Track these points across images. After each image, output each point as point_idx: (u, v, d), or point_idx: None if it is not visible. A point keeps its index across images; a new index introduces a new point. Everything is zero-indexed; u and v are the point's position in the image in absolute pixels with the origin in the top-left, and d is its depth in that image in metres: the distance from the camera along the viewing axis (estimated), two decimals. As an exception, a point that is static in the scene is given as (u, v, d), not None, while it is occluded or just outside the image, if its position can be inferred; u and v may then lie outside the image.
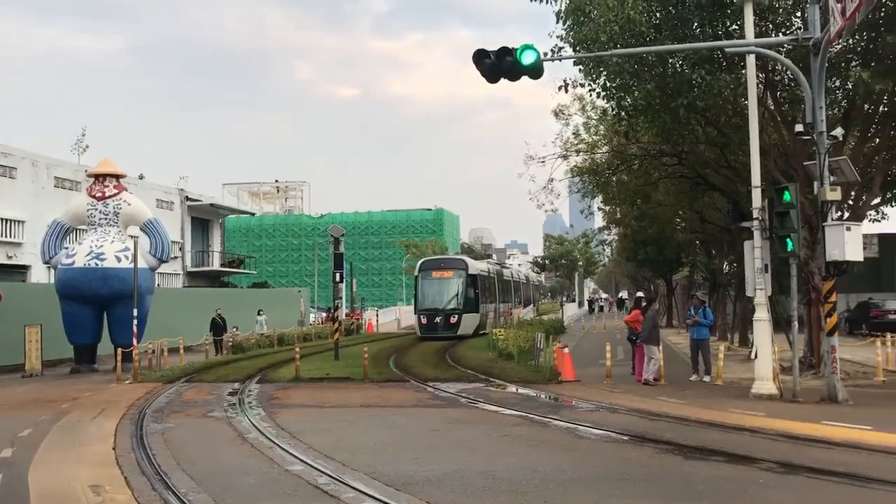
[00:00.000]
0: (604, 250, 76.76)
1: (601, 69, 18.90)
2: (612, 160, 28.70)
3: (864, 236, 21.90)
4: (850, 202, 18.87)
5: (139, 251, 24.01)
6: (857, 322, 33.43)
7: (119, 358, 22.10)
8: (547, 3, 18.23)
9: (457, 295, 38.70)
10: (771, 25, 17.29)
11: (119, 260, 24.48)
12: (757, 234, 15.61)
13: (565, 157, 30.58)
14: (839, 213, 16.39)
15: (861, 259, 14.84)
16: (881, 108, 18.33)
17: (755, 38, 15.74)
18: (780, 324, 19.02)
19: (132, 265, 23.44)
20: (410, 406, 15.61)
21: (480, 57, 14.72)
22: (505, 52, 14.63)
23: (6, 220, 36.35)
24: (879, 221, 24.82)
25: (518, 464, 9.70)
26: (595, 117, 30.00)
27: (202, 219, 52.60)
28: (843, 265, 14.60)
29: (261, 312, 36.10)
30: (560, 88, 19.85)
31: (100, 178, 25.79)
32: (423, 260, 43.95)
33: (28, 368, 23.85)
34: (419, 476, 9.02)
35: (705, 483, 8.60)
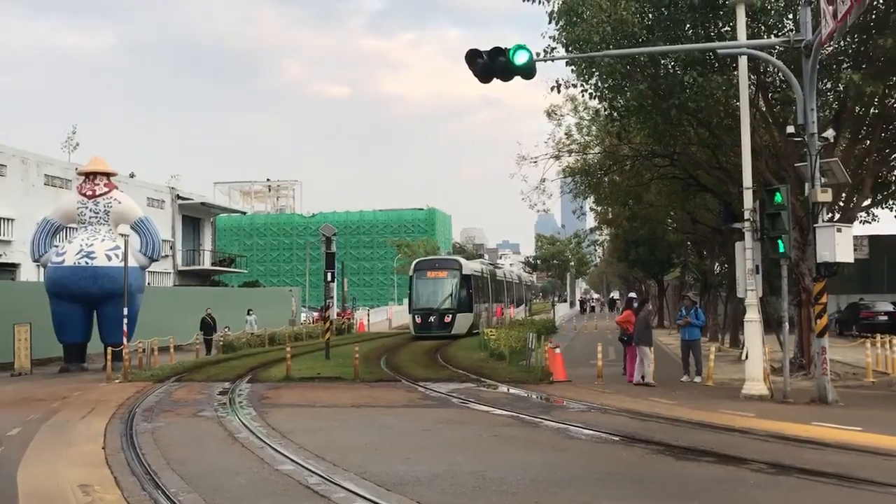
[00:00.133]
0: (595, 251, 76.93)
1: (593, 70, 18.93)
2: (604, 161, 28.75)
3: (855, 238, 22.04)
4: (841, 204, 18.94)
5: (130, 250, 23.92)
6: (848, 323, 33.56)
7: (109, 357, 21.99)
8: (540, 3, 18.25)
9: (451, 295, 39.16)
10: (763, 27, 17.34)
11: (109, 258, 24.38)
12: (748, 236, 15.64)
13: (557, 157, 30.62)
14: (830, 215, 16.47)
15: (851, 260, 14.90)
16: (872, 110, 18.41)
17: (747, 39, 15.78)
18: (771, 325, 19.09)
19: (122, 264, 23.34)
20: (401, 406, 15.59)
21: (473, 57, 14.72)
22: (497, 52, 14.63)
23: (-5, 217, 36.18)
24: (870, 223, 24.89)
25: (509, 464, 9.69)
26: (587, 118, 30.07)
27: (193, 217, 52.44)
28: (833, 266, 14.65)
29: (250, 312, 36.00)
30: (552, 89, 19.87)
31: (90, 176, 25.68)
32: (417, 260, 44.39)
33: (17, 367, 23.73)
34: (410, 476, 9.01)
35: (696, 483, 8.61)
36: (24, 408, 15.68)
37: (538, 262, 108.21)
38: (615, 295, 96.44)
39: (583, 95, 21.45)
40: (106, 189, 25.55)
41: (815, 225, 14.69)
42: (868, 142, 19.23)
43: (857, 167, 18.78)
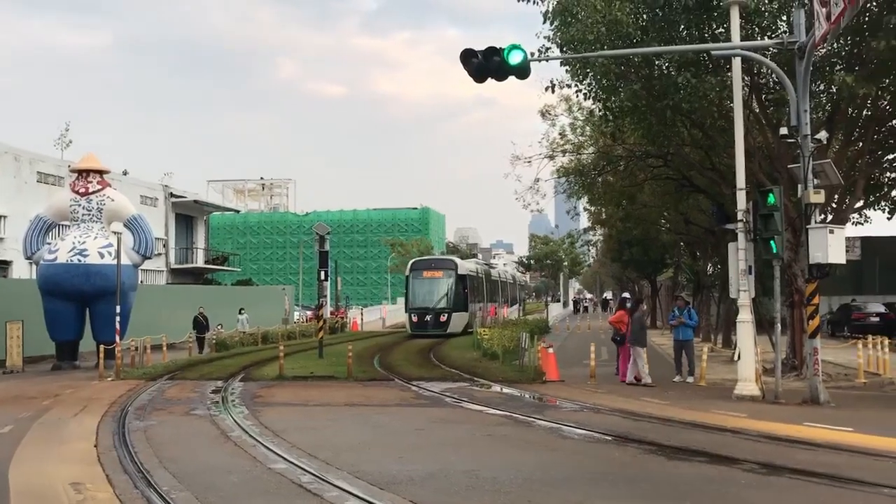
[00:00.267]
0: (589, 251, 77.07)
1: (588, 70, 18.95)
2: (597, 161, 28.76)
3: (847, 239, 22.08)
4: (834, 205, 18.99)
5: (123, 247, 23.85)
6: (839, 324, 33.65)
7: (101, 355, 21.95)
8: (534, 3, 18.27)
9: (447, 294, 39.88)
10: (757, 29, 17.38)
11: (102, 256, 24.30)
12: (741, 236, 15.68)
13: (551, 157, 30.66)
14: (822, 216, 16.49)
15: (844, 262, 14.94)
16: (865, 112, 18.47)
17: (741, 41, 15.81)
18: (764, 325, 19.13)
19: (115, 261, 23.28)
20: (394, 405, 15.59)
21: (468, 56, 14.73)
22: (492, 51, 14.64)
23: (-12, 214, 36.03)
24: (862, 224, 25.02)
25: (502, 463, 9.71)
26: (581, 118, 30.09)
27: (186, 215, 52.30)
28: (825, 268, 14.70)
29: (242, 311, 35.94)
30: (547, 89, 19.87)
31: (83, 173, 25.59)
32: (414, 260, 45.03)
33: (9, 365, 23.65)
34: (403, 475, 9.01)
35: (688, 483, 8.64)
36: (16, 405, 15.63)
37: (532, 261, 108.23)
38: (608, 295, 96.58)
39: (577, 96, 21.50)
40: (99, 186, 25.46)
41: (808, 226, 14.74)
42: (861, 144, 19.29)
43: (849, 169, 18.84)
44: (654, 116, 18.97)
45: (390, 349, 30.79)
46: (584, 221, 49.32)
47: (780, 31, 17.28)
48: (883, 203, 21.56)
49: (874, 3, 15.74)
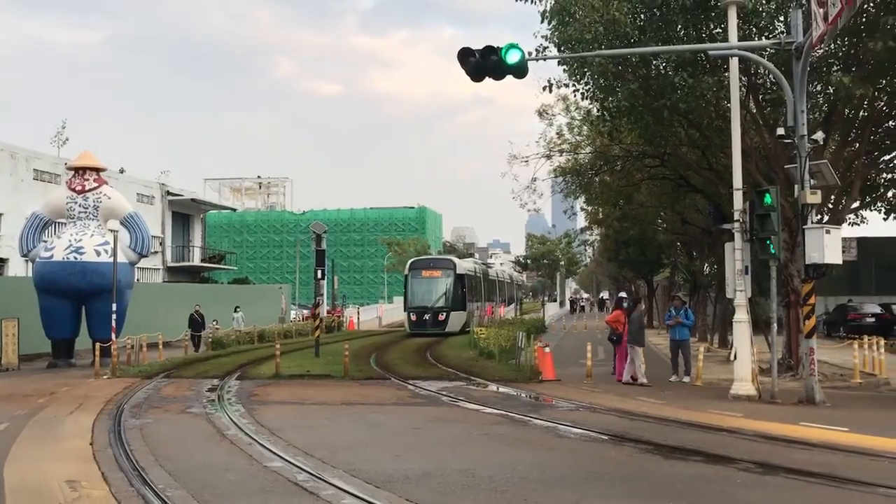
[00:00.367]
0: (586, 250, 77.04)
1: (585, 69, 18.95)
2: (595, 161, 28.78)
3: (844, 240, 22.15)
4: (830, 206, 19.02)
5: (119, 245, 23.81)
6: (835, 325, 33.71)
7: (97, 353, 21.90)
8: (532, 2, 18.25)
9: (445, 293, 40.31)
10: (754, 29, 17.39)
11: (98, 254, 24.26)
12: (738, 236, 15.70)
13: (549, 156, 30.67)
14: (819, 217, 16.54)
15: (840, 262, 14.97)
16: (861, 113, 18.50)
17: (738, 41, 15.82)
18: (760, 325, 19.15)
19: (111, 259, 23.24)
20: (391, 404, 15.58)
21: (465, 55, 14.70)
22: (490, 50, 14.62)
23: (-16, 212, 35.94)
24: (859, 225, 25.03)
25: (498, 462, 9.70)
26: (579, 118, 30.08)
27: (183, 214, 52.24)
28: (822, 268, 14.72)
29: (237, 309, 35.89)
30: (544, 89, 19.86)
31: (80, 171, 25.54)
32: (412, 260, 45.39)
33: (4, 363, 23.60)
34: (399, 474, 9.01)
35: (684, 482, 8.64)
36: (12, 403, 15.60)
37: (528, 261, 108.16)
38: (605, 295, 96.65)
39: (574, 95, 21.51)
40: (95, 184, 25.42)
41: (804, 226, 14.76)
42: (857, 144, 19.32)
43: (846, 169, 18.87)
44: (652, 116, 18.98)
45: (387, 348, 30.78)
46: (580, 221, 49.36)
47: (777, 32, 17.29)
48: (879, 204, 21.60)
49: (871, 4, 15.76)
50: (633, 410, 14.00)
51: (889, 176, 21.42)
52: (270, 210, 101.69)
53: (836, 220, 18.53)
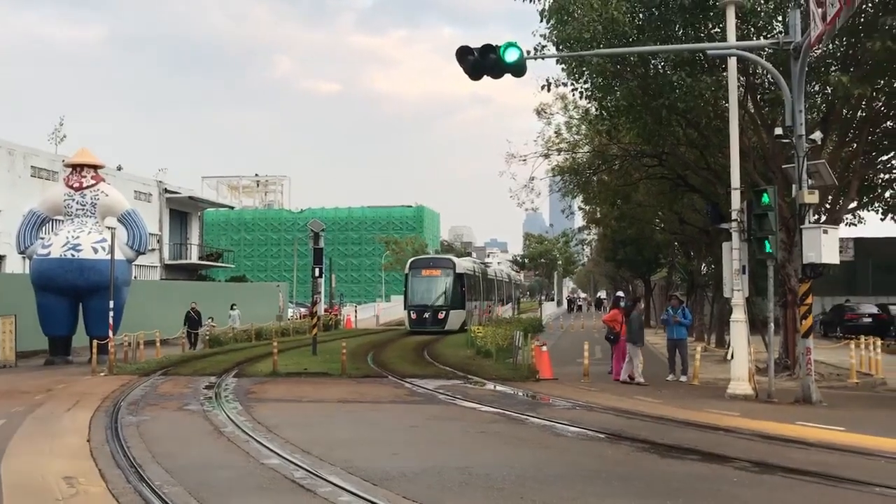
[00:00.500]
0: (583, 250, 77.03)
1: (584, 68, 18.96)
2: (593, 160, 28.79)
3: (841, 240, 22.17)
4: (828, 206, 19.05)
5: (116, 243, 23.79)
6: (832, 324, 33.77)
7: (94, 350, 21.90)
8: (531, 1, 18.26)
9: (445, 292, 40.92)
10: (752, 29, 17.40)
11: (96, 251, 24.24)
12: (735, 236, 15.72)
13: (547, 156, 30.67)
14: (816, 217, 16.55)
15: (837, 262, 14.97)
16: (859, 113, 18.52)
17: (737, 41, 15.84)
18: (757, 325, 19.16)
19: (109, 256, 23.22)
20: (388, 402, 15.59)
21: (464, 54, 14.70)
22: (488, 49, 14.62)
23: (-19, 209, 35.85)
24: (856, 225, 25.11)
25: (495, 460, 9.71)
26: (577, 117, 30.08)
27: (181, 211, 52.16)
28: (819, 268, 14.74)
29: (234, 307, 35.89)
30: (543, 88, 19.90)
31: (77, 168, 25.50)
32: (413, 259, 45.89)
33: (1, 360, 23.58)
34: (396, 471, 9.01)
35: (681, 481, 8.65)
36: (9, 400, 15.58)
37: (526, 260, 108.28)
38: (602, 294, 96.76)
39: (573, 94, 21.52)
40: (93, 181, 25.40)
41: (802, 226, 14.78)
42: (855, 144, 19.35)
43: (843, 169, 18.90)
44: (650, 115, 18.99)
45: (384, 346, 30.79)
46: (578, 220, 49.36)
47: (775, 32, 17.31)
48: (876, 204, 21.65)
49: (869, 4, 15.79)
50: (629, 409, 14.01)
51: (886, 176, 21.46)
52: (268, 208, 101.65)
53: (834, 220, 18.56)
